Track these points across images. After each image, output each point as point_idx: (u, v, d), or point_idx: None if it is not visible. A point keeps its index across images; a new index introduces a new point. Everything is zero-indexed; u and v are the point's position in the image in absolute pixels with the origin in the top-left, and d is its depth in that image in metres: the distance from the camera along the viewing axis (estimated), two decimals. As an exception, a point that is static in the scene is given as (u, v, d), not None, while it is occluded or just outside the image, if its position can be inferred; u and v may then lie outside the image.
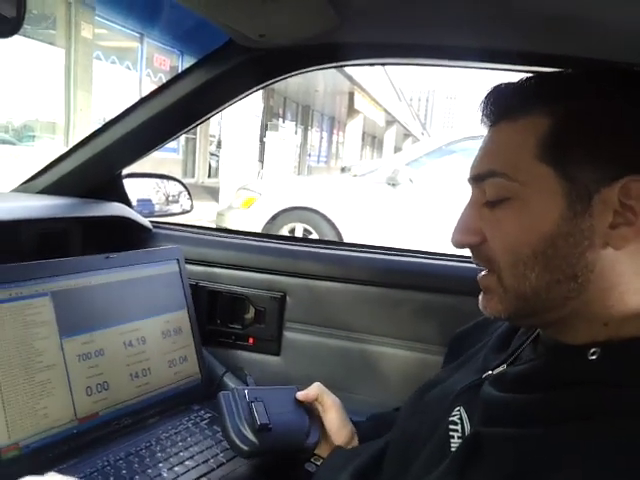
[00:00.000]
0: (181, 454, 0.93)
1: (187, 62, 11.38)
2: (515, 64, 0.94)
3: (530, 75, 0.62)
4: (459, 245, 0.62)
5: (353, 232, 4.81)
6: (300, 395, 0.90)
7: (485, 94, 0.62)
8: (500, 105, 0.61)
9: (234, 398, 0.86)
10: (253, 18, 0.85)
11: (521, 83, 0.61)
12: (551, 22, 0.76)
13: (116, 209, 1.24)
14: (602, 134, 0.54)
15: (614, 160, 0.54)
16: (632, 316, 0.54)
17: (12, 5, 0.66)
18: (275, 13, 0.80)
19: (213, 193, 10.18)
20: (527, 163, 0.56)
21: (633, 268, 0.54)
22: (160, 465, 0.89)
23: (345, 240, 4.70)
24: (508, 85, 0.62)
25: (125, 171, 1.31)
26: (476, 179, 0.61)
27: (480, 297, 0.63)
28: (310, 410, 0.90)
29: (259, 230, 4.82)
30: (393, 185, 4.93)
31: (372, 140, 36.50)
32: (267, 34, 0.92)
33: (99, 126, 1.20)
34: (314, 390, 0.90)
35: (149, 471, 0.87)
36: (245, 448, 0.82)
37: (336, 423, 0.88)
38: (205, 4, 0.80)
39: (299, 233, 4.98)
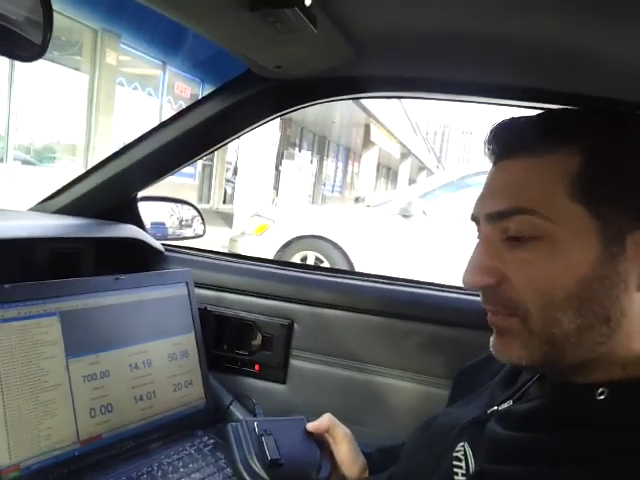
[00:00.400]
0: (183, 480, 0.92)
1: (207, 90, 11.59)
2: (529, 101, 0.95)
3: (545, 111, 0.62)
4: (473, 287, 0.58)
5: (365, 262, 4.81)
6: (311, 427, 0.86)
7: (494, 127, 0.61)
8: (516, 139, 0.59)
9: (243, 431, 0.83)
10: (270, 49, 0.87)
11: (541, 118, 0.60)
12: (568, 60, 0.77)
13: (129, 231, 1.26)
14: (633, 175, 0.53)
15: None
16: None
17: (39, 30, 0.68)
18: (291, 45, 0.82)
19: (227, 219, 10.26)
20: (559, 202, 0.54)
21: None
22: (161, 491, 0.88)
23: (356, 270, 4.69)
24: (524, 119, 0.60)
25: (140, 194, 1.33)
26: (495, 216, 0.57)
27: (493, 339, 0.59)
28: (320, 442, 0.86)
29: (271, 257, 4.83)
30: (406, 217, 4.94)
31: (387, 172, 36.68)
32: (283, 65, 0.94)
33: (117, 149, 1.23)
34: (325, 421, 0.86)
35: (149, 497, 0.87)
36: None
37: (348, 456, 0.84)
38: (224, 35, 0.82)
39: (311, 261, 4.98)
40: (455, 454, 0.62)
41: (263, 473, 0.78)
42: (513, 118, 0.61)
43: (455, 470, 0.61)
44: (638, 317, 0.53)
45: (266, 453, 0.79)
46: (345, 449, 0.84)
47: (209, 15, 0.74)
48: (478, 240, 0.60)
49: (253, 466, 0.78)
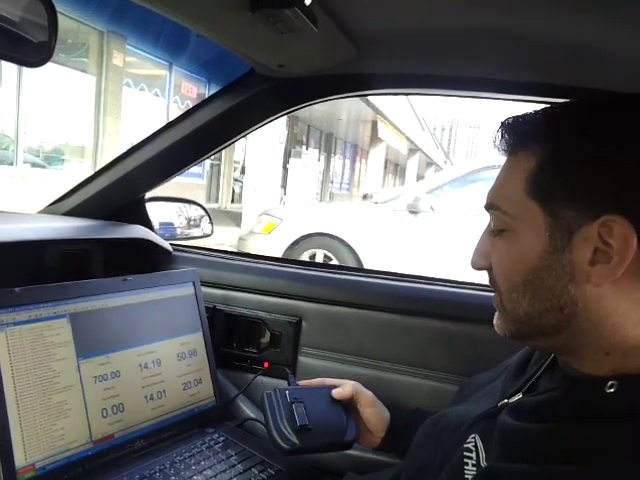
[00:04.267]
0: (195, 478, 0.93)
1: (214, 90, 11.60)
2: (532, 95, 0.95)
3: (535, 109, 0.63)
4: (473, 267, 0.66)
5: (373, 259, 4.80)
6: (336, 394, 0.93)
7: (498, 126, 0.64)
8: (506, 138, 0.63)
9: (276, 398, 0.91)
10: (272, 49, 0.87)
11: (523, 117, 0.63)
12: (567, 54, 0.77)
13: (138, 231, 1.27)
14: (582, 173, 0.55)
15: (595, 199, 0.54)
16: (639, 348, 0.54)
17: (44, 35, 0.69)
18: (293, 45, 0.83)
19: (236, 218, 10.28)
20: (518, 198, 0.59)
21: (626, 303, 0.55)
22: (173, 489, 0.89)
23: (365, 267, 4.68)
24: (515, 118, 0.63)
25: (149, 195, 1.34)
26: (485, 209, 0.64)
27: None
28: (347, 407, 0.94)
29: (279, 256, 4.84)
30: (414, 213, 4.92)
31: (395, 168, 36.57)
32: (286, 64, 0.94)
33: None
34: (348, 389, 0.94)
35: (162, 494, 0.87)
36: (286, 447, 0.86)
37: (374, 417, 0.93)
38: (226, 36, 0.83)
39: (319, 259, 4.98)
40: (466, 445, 0.63)
41: (293, 437, 0.86)
42: (511, 117, 0.64)
43: (466, 460, 0.62)
44: (595, 307, 0.55)
45: (295, 419, 0.87)
46: (369, 411, 0.93)
47: (211, 16, 0.75)
48: None
49: (284, 431, 0.87)
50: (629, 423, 0.50)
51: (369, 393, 0.95)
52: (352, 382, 0.96)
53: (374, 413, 0.93)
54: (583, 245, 0.55)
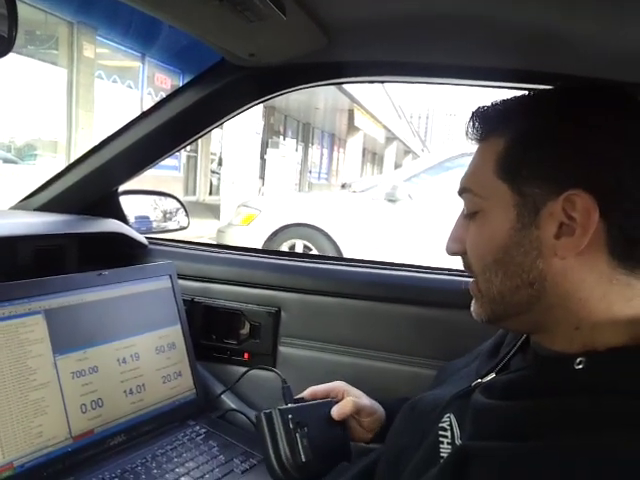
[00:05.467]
0: (177, 470, 0.93)
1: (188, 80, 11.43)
2: (505, 82, 0.96)
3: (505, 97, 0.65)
4: (448, 252, 0.68)
5: (353, 248, 4.81)
6: (337, 415, 0.88)
7: (470, 115, 0.66)
8: (477, 126, 0.65)
9: (277, 422, 0.82)
10: (242, 38, 0.87)
11: (493, 104, 0.65)
12: (538, 41, 0.78)
13: (112, 225, 1.26)
14: (545, 153, 0.58)
15: (559, 176, 0.57)
16: (606, 323, 0.56)
17: (3, 24, 0.67)
18: (262, 33, 0.82)
19: (214, 210, 10.21)
20: (488, 180, 0.61)
21: (591, 276, 0.56)
22: (156, 482, 0.89)
23: (345, 256, 4.70)
24: (485, 106, 0.65)
25: (123, 188, 1.32)
26: (459, 194, 0.66)
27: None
28: (345, 423, 0.89)
29: (258, 247, 4.82)
30: (392, 201, 4.94)
31: (372, 157, 36.60)
32: (257, 53, 0.94)
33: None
34: (349, 408, 0.88)
35: (144, 488, 0.87)
36: (284, 479, 0.80)
37: (372, 423, 0.91)
38: (194, 25, 0.82)
39: (299, 250, 4.98)
40: (441, 425, 0.64)
41: (295, 472, 0.79)
42: (482, 106, 0.66)
43: (441, 439, 0.63)
44: (562, 281, 0.57)
45: (300, 454, 0.80)
46: (369, 420, 0.91)
47: (179, 6, 0.74)
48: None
49: (287, 465, 0.79)
50: (595, 397, 0.51)
51: (367, 403, 0.91)
52: (351, 398, 0.90)
53: (373, 420, 0.91)
54: (549, 220, 0.57)
